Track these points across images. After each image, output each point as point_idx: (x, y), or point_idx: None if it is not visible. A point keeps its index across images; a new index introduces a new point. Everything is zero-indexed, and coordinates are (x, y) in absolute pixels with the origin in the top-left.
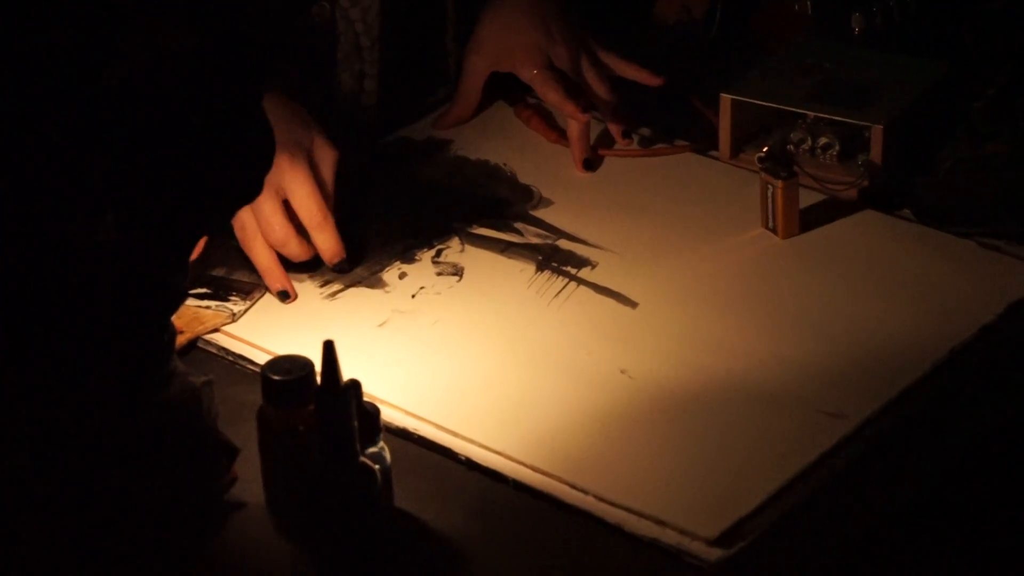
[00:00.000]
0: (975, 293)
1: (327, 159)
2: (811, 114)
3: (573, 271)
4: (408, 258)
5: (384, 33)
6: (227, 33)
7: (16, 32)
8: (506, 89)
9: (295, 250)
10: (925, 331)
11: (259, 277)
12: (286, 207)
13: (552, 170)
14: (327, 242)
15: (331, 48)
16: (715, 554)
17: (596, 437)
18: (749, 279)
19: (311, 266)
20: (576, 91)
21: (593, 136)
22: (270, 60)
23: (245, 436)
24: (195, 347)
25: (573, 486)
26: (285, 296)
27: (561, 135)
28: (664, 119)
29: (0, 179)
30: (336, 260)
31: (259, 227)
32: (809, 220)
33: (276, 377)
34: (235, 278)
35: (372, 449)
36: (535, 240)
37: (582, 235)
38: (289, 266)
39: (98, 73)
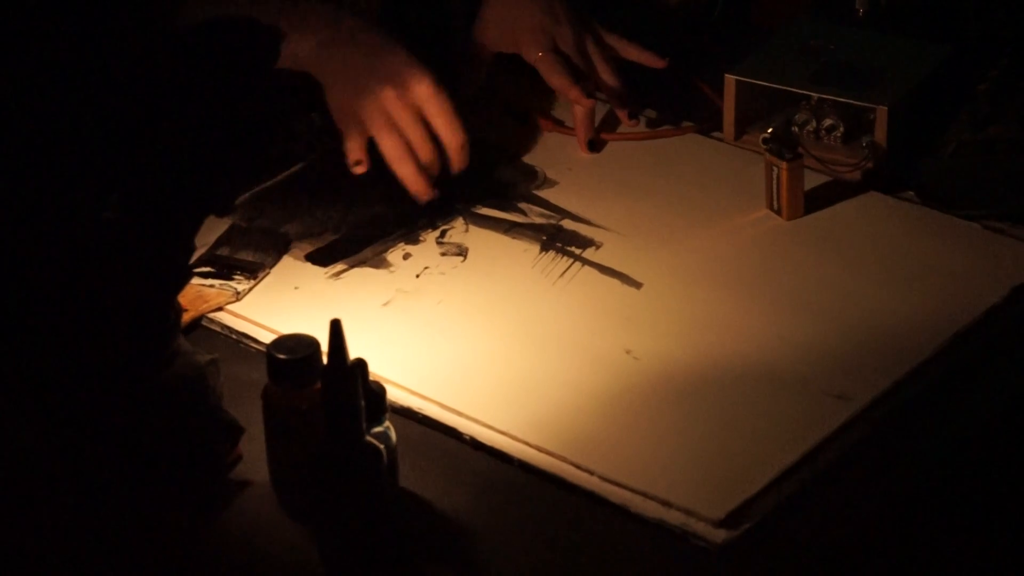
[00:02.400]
0: (979, 275)
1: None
2: (815, 96)
3: (577, 251)
4: (412, 238)
5: (385, 11)
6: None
7: (21, 14)
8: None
9: (436, 171)
10: (929, 313)
11: (263, 256)
12: None
13: (556, 151)
14: (463, 163)
15: None
16: (721, 535)
17: (601, 417)
18: (753, 260)
19: (321, 257)
20: (580, 76)
21: (598, 117)
22: (277, 40)
23: (250, 415)
24: (199, 326)
25: (578, 466)
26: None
27: (556, 123)
28: (668, 100)
29: (6, 160)
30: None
31: (414, 149)
32: (813, 202)
33: (282, 356)
34: (239, 257)
35: (377, 429)
36: (539, 220)
37: (586, 216)
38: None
39: (104, 52)
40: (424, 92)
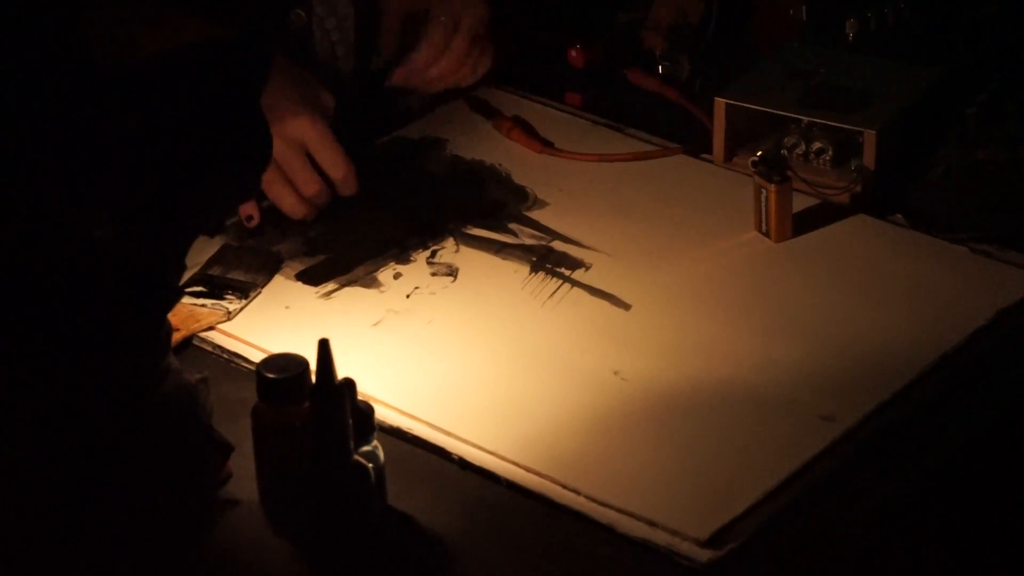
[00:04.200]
0: (966, 298)
1: (330, 111)
2: (805, 119)
3: (567, 272)
4: (403, 258)
5: (359, 42)
6: (222, 30)
7: (11, 30)
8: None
9: (323, 200)
10: (916, 335)
11: (255, 275)
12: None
13: (547, 172)
14: (351, 190)
15: (306, 56)
16: (706, 555)
17: (589, 438)
18: (742, 282)
19: (312, 276)
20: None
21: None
22: (266, 57)
23: (239, 433)
24: (190, 345)
25: (565, 486)
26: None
27: (546, 145)
28: (658, 122)
29: None
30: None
31: (294, 184)
32: (802, 224)
33: (271, 375)
34: (231, 277)
35: (366, 448)
36: (529, 241)
37: (576, 237)
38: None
39: (93, 70)
40: (300, 127)
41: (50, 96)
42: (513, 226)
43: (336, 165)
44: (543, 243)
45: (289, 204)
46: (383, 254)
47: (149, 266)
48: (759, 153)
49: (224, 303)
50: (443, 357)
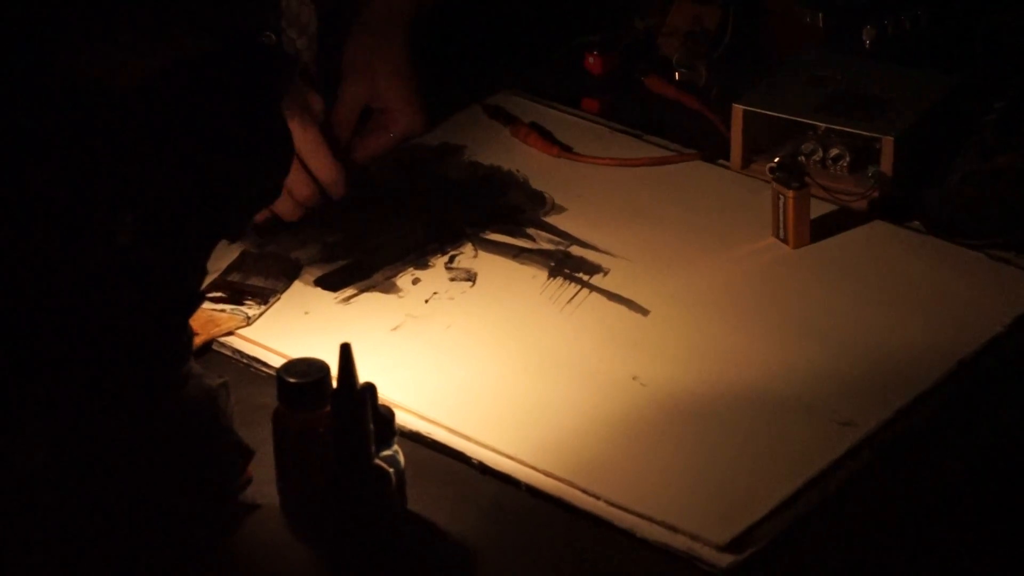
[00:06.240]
0: (984, 304)
1: (319, 115)
2: (822, 125)
3: (585, 277)
4: (421, 264)
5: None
6: (244, 37)
7: (36, 36)
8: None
9: (314, 203)
10: (934, 341)
11: (274, 281)
12: None
13: (564, 177)
14: (340, 193)
15: None
16: (725, 560)
17: (608, 442)
18: (759, 288)
19: (331, 282)
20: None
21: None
22: (287, 64)
23: (260, 438)
24: (210, 349)
25: (585, 491)
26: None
27: (563, 149)
28: (674, 128)
29: (21, 182)
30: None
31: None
32: (819, 230)
33: (292, 379)
34: (251, 283)
35: (386, 452)
36: (547, 246)
37: (594, 242)
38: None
39: (119, 76)
40: (295, 131)
41: (75, 103)
42: (531, 231)
43: (325, 169)
44: (561, 248)
45: (281, 207)
46: (402, 259)
47: (170, 271)
48: (777, 159)
49: (244, 309)
50: (462, 362)
